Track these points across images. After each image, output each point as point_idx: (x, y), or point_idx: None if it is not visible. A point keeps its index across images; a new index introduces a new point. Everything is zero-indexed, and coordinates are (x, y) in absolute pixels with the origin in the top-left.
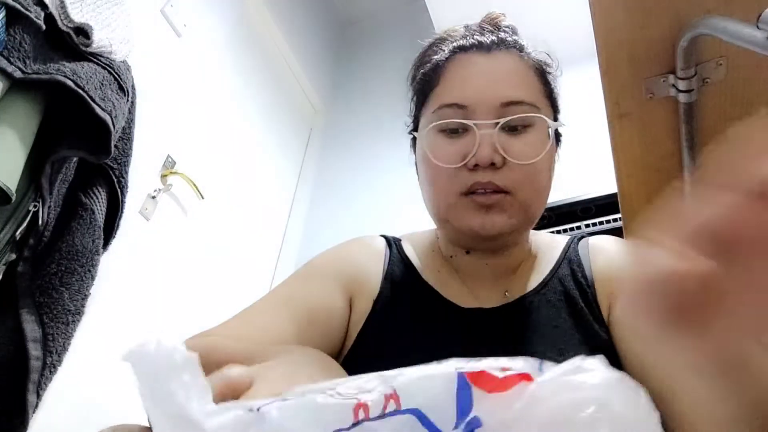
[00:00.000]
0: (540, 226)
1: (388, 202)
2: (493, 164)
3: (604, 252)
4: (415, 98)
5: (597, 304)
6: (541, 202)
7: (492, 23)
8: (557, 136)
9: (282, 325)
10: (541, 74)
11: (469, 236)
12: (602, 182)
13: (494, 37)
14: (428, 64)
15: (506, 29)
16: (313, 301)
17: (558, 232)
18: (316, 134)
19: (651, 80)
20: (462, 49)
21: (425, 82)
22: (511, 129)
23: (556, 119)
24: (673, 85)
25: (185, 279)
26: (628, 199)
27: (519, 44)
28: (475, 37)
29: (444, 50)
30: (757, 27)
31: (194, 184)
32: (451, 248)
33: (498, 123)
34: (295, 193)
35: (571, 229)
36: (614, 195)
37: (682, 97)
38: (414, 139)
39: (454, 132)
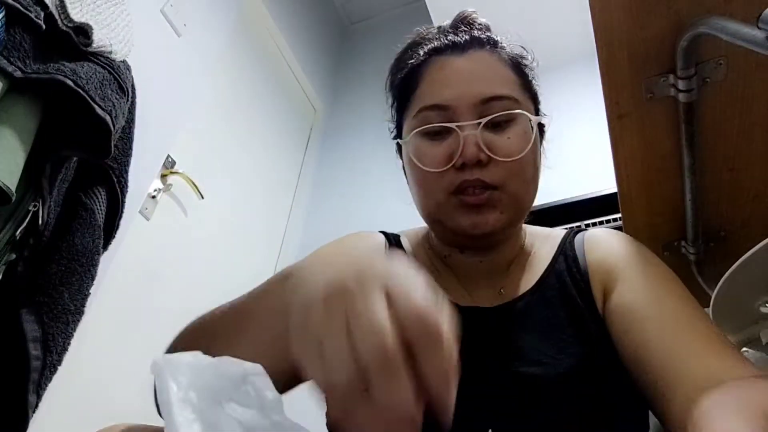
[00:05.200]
0: (541, 225)
1: (388, 202)
2: (479, 161)
3: (598, 244)
4: (395, 104)
5: (592, 297)
6: (530, 194)
7: (465, 22)
8: (540, 127)
9: (273, 315)
10: (517, 67)
11: (461, 236)
12: (602, 182)
13: (467, 37)
14: (405, 69)
15: (480, 27)
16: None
17: None
18: (316, 134)
19: (651, 80)
20: (437, 51)
21: (404, 87)
22: (494, 125)
23: (536, 110)
24: (673, 85)
25: (185, 279)
26: (628, 199)
27: (493, 40)
28: (448, 38)
29: (419, 53)
30: (758, 27)
31: (194, 184)
32: (445, 248)
33: (480, 122)
34: (295, 193)
35: (572, 228)
36: (614, 195)
37: (682, 97)
38: (399, 144)
39: (438, 134)
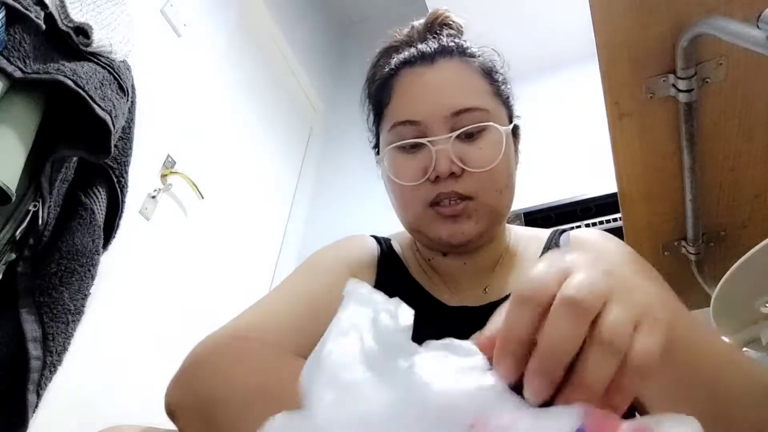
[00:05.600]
0: (540, 226)
1: (388, 202)
2: (452, 174)
3: (584, 245)
4: (371, 115)
5: None
6: (506, 201)
7: (437, 24)
8: (515, 129)
9: (295, 320)
10: (488, 74)
11: (440, 245)
12: (602, 182)
13: (437, 45)
14: (377, 82)
15: (451, 30)
16: (319, 295)
17: None
18: (316, 134)
19: (651, 80)
20: (407, 63)
21: (378, 100)
22: (466, 136)
23: (510, 115)
24: (673, 85)
25: (185, 279)
26: (628, 199)
27: (462, 48)
28: (418, 47)
29: (390, 64)
30: (757, 27)
31: (194, 184)
32: (429, 252)
33: (451, 136)
34: (295, 193)
35: (571, 228)
36: (614, 195)
37: (682, 97)
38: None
39: (412, 148)
